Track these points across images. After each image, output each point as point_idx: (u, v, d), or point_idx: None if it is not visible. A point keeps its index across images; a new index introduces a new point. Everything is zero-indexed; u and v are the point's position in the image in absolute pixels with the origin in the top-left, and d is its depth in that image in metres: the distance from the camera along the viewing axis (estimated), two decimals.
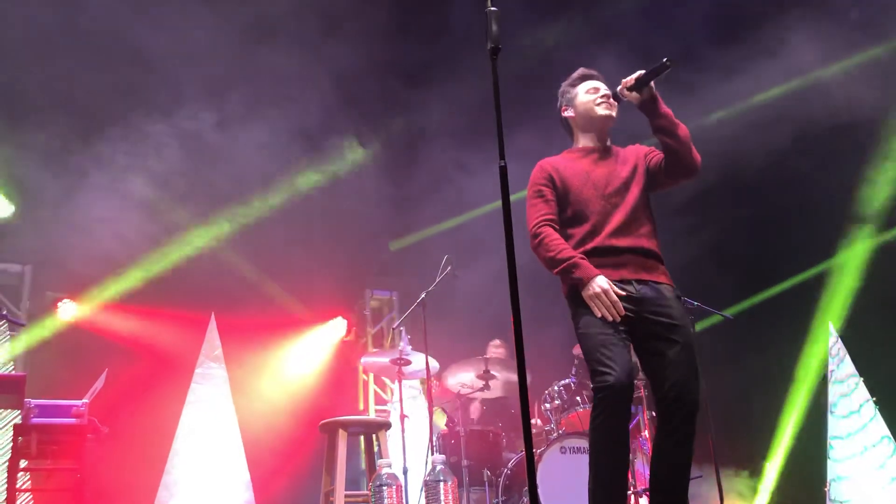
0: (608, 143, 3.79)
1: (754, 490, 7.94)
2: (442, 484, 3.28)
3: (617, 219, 3.54)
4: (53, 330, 7.49)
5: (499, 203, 2.84)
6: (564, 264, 3.42)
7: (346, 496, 4.58)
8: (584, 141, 3.77)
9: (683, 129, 3.55)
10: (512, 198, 2.84)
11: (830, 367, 7.77)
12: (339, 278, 8.58)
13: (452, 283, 6.05)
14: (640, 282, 3.46)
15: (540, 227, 3.55)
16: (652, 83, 3.51)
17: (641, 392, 6.49)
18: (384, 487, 3.32)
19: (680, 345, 3.39)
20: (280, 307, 8.08)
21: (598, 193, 3.57)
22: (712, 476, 5.93)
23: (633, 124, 3.89)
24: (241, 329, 7.90)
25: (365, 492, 5.05)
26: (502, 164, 2.86)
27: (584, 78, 3.81)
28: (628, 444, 3.33)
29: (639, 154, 3.75)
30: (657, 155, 3.68)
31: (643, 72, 3.50)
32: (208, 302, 7.83)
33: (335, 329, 8.84)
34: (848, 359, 7.64)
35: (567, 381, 6.29)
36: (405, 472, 5.84)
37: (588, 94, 3.75)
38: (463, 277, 6.03)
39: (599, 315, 3.33)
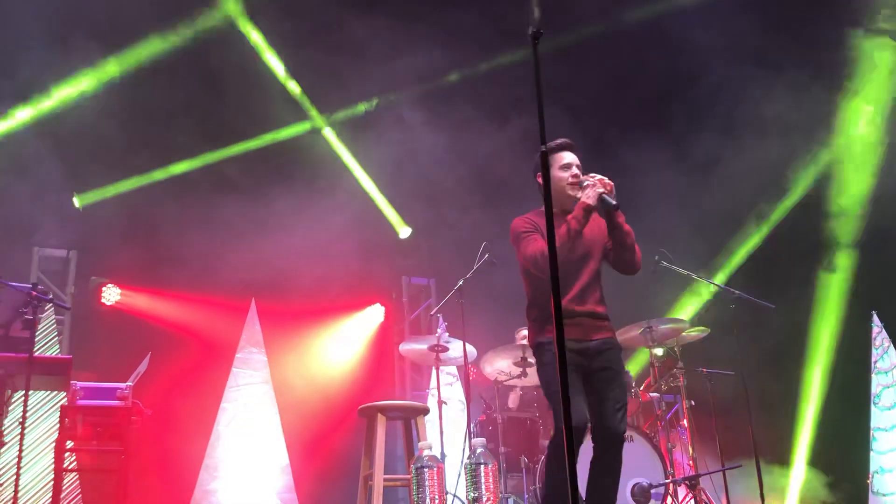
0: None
1: (795, 482, 7.86)
2: (482, 467, 3.28)
3: (578, 285, 4.05)
4: (98, 314, 7.61)
5: None
6: (572, 225, 3.92)
7: (384, 480, 4.61)
8: (560, 206, 4.09)
9: (631, 239, 4.09)
10: None
11: (874, 358, 7.65)
12: (376, 265, 8.63)
13: (490, 270, 6.05)
14: (593, 340, 4.04)
15: (539, 250, 4.00)
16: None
17: (681, 381, 6.46)
18: (425, 469, 3.33)
19: (613, 387, 4.00)
20: (318, 294, 8.13)
21: (564, 259, 3.93)
22: (753, 467, 5.89)
23: None
24: (280, 315, 7.98)
25: (403, 476, 5.08)
26: (543, 148, 2.85)
27: (561, 148, 4.14)
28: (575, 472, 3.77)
29: (603, 231, 4.19)
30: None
31: (607, 196, 3.92)
32: (249, 288, 7.92)
33: (373, 315, 8.90)
34: (892, 349, 7.52)
35: None
36: (443, 457, 5.88)
37: (562, 171, 4.11)
38: (501, 264, 6.00)
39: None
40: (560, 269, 3.92)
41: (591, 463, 4.01)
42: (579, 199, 3.99)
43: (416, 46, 7.84)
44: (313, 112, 8.65)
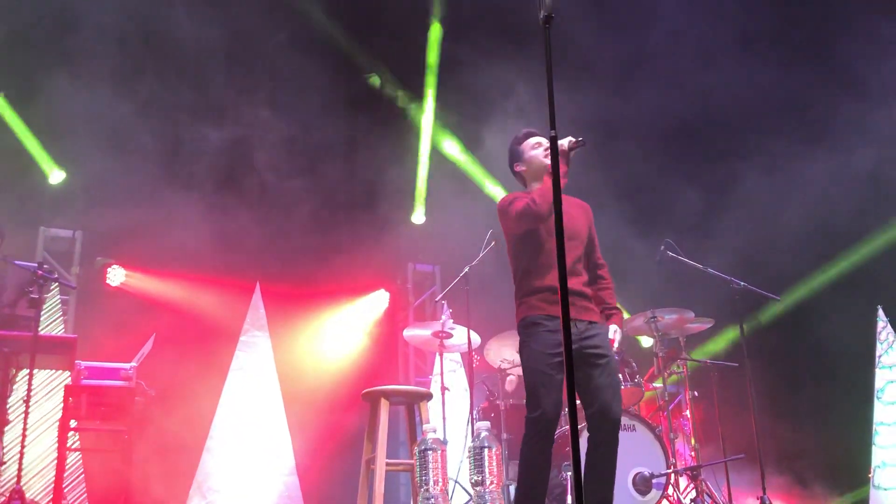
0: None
1: (798, 476, 7.86)
2: (486, 450, 3.29)
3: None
4: (103, 294, 7.62)
5: None
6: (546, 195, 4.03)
7: (387, 464, 4.62)
8: (538, 183, 4.27)
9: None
10: None
11: (878, 353, 7.63)
12: (381, 251, 8.62)
13: (496, 258, 6.04)
14: (580, 320, 4.09)
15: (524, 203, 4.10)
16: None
17: (685, 371, 6.45)
18: (429, 452, 3.34)
19: (606, 372, 4.03)
20: (323, 278, 8.13)
21: (550, 237, 4.10)
22: (754, 459, 5.90)
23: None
24: (285, 299, 7.98)
25: (405, 460, 5.09)
26: (553, 133, 2.84)
27: (527, 136, 4.37)
28: (550, 461, 3.99)
29: (588, 215, 4.41)
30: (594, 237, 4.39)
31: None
32: (254, 271, 7.92)
33: (377, 301, 8.90)
34: None
35: None
36: (445, 443, 5.88)
37: (534, 150, 4.31)
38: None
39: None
40: (545, 247, 4.13)
41: (588, 451, 4.01)
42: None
43: None
44: None
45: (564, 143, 4.08)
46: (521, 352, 4.17)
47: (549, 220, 4.09)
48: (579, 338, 4.04)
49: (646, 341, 8.04)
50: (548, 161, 4.17)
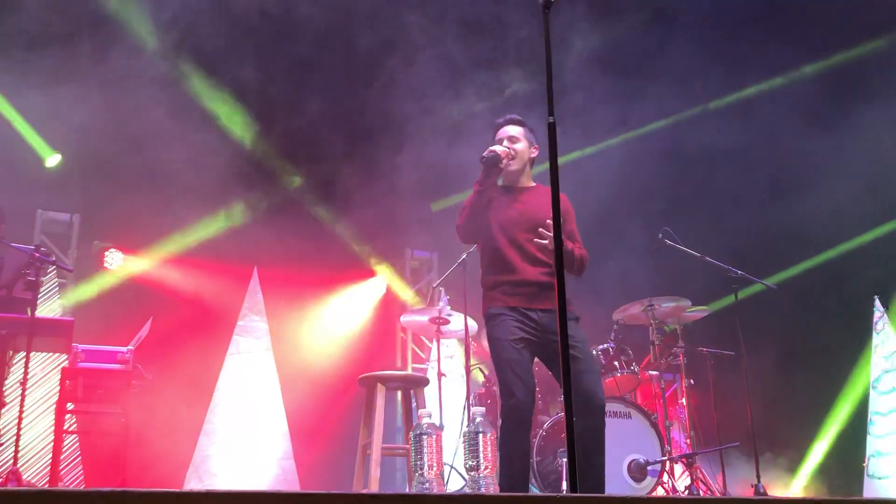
0: (526, 182, 4.31)
1: (792, 464, 7.89)
2: (481, 435, 3.31)
3: (521, 255, 4.09)
4: (100, 278, 7.62)
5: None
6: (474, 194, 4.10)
7: (382, 449, 4.64)
8: (504, 181, 4.32)
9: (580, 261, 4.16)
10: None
11: (875, 342, 7.66)
12: (379, 237, 8.61)
13: None
14: (542, 310, 4.02)
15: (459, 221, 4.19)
16: None
17: (681, 359, 6.47)
18: (424, 437, 3.35)
19: (581, 358, 3.92)
20: (321, 264, 8.13)
21: (510, 230, 4.12)
22: (749, 447, 5.92)
23: None
24: (282, 284, 7.98)
25: (401, 445, 5.11)
26: (551, 120, 2.84)
27: (497, 127, 4.36)
28: (528, 443, 4.00)
29: (563, 206, 4.18)
30: (569, 229, 4.20)
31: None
32: (251, 256, 7.92)
33: (375, 287, 8.91)
34: (893, 333, 7.52)
35: (606, 345, 6.28)
36: (441, 429, 5.90)
37: (496, 144, 4.29)
38: None
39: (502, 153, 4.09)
40: (503, 240, 4.13)
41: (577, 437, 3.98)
42: (513, 169, 4.24)
43: None
44: None
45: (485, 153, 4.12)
46: (488, 343, 4.17)
47: (496, 215, 4.15)
48: (543, 329, 4.01)
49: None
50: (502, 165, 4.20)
